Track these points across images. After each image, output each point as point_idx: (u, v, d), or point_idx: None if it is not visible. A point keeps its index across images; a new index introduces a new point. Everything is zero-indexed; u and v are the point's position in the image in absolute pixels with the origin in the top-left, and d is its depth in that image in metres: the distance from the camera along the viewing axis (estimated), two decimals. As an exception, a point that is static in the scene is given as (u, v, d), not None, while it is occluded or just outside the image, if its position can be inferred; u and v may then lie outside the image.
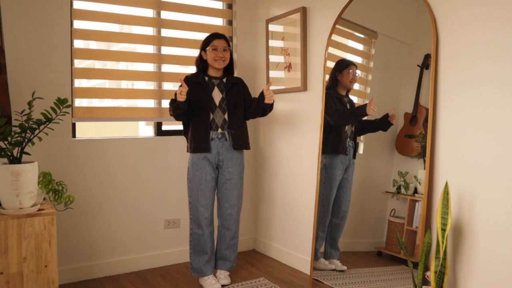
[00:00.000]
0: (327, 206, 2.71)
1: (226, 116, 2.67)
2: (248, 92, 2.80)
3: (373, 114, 2.47)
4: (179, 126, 3.36)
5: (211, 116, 2.63)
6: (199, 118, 2.61)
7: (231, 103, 2.69)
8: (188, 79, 2.66)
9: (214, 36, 2.67)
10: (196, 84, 2.65)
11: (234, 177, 2.70)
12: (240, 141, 2.69)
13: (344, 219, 2.69)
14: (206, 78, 2.68)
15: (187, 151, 2.69)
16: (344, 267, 2.65)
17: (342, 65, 2.67)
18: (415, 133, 2.29)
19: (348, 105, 2.67)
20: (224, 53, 2.64)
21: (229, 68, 2.76)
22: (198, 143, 2.60)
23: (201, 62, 2.72)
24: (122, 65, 3.18)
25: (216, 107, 2.65)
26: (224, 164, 2.67)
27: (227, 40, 2.69)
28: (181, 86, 2.49)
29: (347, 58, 2.70)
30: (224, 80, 2.72)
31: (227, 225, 2.75)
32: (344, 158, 2.65)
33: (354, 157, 2.64)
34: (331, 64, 2.72)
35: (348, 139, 2.64)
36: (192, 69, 3.47)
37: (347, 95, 2.68)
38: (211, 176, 2.66)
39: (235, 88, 2.73)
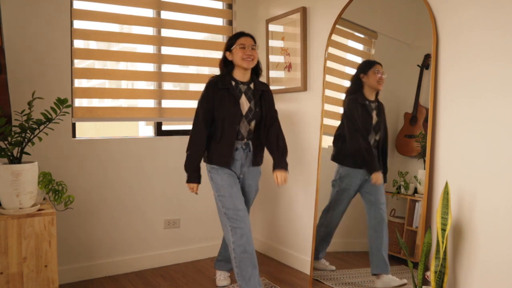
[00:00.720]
0: (336, 215, 2.63)
1: (251, 126, 2.46)
2: (273, 103, 2.56)
3: (374, 183, 2.41)
4: (179, 126, 3.37)
5: (237, 128, 2.42)
6: (224, 130, 2.40)
7: (258, 113, 2.47)
8: (214, 84, 2.42)
9: (240, 34, 2.47)
10: (223, 90, 2.42)
11: (252, 190, 2.58)
12: (259, 157, 2.55)
13: (380, 228, 2.44)
14: (233, 83, 2.45)
15: (204, 161, 2.50)
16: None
17: (367, 66, 2.52)
18: (415, 133, 2.29)
19: (374, 113, 2.46)
20: (252, 51, 2.42)
21: (256, 70, 2.53)
22: (222, 156, 2.41)
23: (225, 65, 2.50)
24: (122, 65, 3.18)
25: (243, 116, 2.42)
26: (245, 176, 2.52)
27: (254, 39, 2.49)
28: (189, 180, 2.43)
29: (371, 59, 2.55)
30: (252, 85, 2.49)
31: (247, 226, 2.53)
32: (364, 172, 2.50)
33: (384, 169, 2.42)
34: (331, 64, 2.72)
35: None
36: (192, 69, 3.48)
37: (376, 99, 2.49)
38: (237, 180, 2.48)
39: (263, 97, 2.50)
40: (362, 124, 2.48)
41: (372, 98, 2.48)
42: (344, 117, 2.59)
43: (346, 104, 2.53)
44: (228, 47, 2.46)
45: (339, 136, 2.62)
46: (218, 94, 2.40)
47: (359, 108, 2.47)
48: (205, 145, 2.43)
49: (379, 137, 2.44)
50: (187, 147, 2.46)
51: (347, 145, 2.56)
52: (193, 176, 2.44)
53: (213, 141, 2.44)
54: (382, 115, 2.44)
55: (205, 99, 2.42)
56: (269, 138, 2.50)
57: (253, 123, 2.46)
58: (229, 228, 2.37)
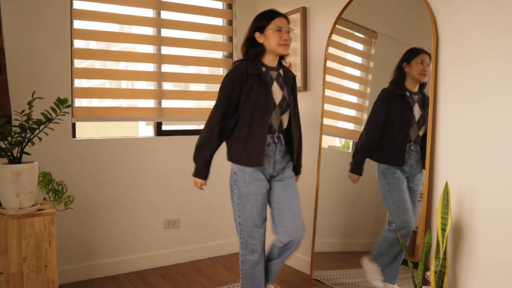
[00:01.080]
0: (402, 212, 2.31)
1: (283, 118, 2.17)
2: (296, 92, 2.31)
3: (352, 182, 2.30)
4: (179, 126, 3.37)
5: (269, 120, 2.11)
6: (254, 122, 2.06)
7: (291, 103, 2.19)
8: (243, 69, 2.08)
9: (275, 14, 2.12)
10: (253, 76, 2.08)
11: (293, 186, 2.21)
12: (293, 152, 2.23)
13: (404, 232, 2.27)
14: (263, 69, 2.13)
15: (230, 160, 2.18)
16: None
17: (412, 54, 2.25)
18: (415, 133, 2.28)
19: (417, 106, 2.22)
20: (289, 35, 2.11)
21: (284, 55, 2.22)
22: (253, 154, 2.07)
23: (253, 47, 2.15)
24: (122, 65, 3.18)
25: (276, 106, 2.12)
26: (282, 173, 2.21)
27: (289, 20, 2.17)
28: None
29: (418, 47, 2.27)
30: (281, 71, 2.19)
31: (294, 242, 2.17)
32: (402, 169, 2.27)
33: (422, 166, 2.19)
34: (331, 64, 2.72)
35: (412, 144, 2.23)
36: (192, 69, 3.48)
37: (420, 91, 2.25)
38: (266, 189, 2.15)
39: (293, 85, 2.25)
40: (401, 118, 2.27)
41: (414, 89, 2.24)
42: (373, 108, 2.39)
43: (382, 93, 2.29)
44: (260, 28, 2.11)
45: (372, 130, 2.46)
46: (247, 81, 2.06)
47: (396, 98, 2.24)
48: (218, 139, 2.12)
49: (423, 131, 2.17)
50: (199, 137, 2.18)
51: (385, 128, 2.35)
52: (200, 171, 2.18)
53: (239, 136, 2.10)
54: (427, 108, 2.15)
55: (230, 86, 2.08)
56: (293, 135, 2.20)
57: (285, 115, 2.17)
58: (241, 241, 2.18)
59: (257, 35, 2.12)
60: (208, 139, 2.12)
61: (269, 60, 2.15)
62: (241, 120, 2.10)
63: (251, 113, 2.06)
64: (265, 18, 2.12)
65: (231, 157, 2.16)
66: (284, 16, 2.13)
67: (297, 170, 2.29)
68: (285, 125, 2.19)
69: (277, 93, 2.12)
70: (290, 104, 2.17)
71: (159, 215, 3.11)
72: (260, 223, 2.16)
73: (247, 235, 2.15)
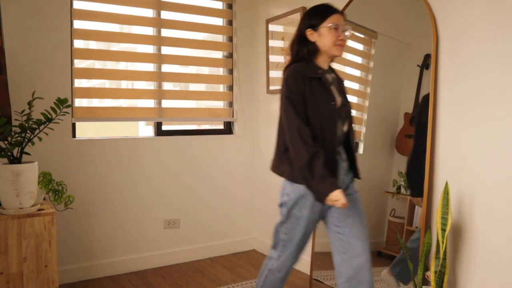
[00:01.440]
0: None
1: (345, 127, 1.85)
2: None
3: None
4: (179, 126, 3.37)
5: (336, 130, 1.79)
6: (317, 135, 1.73)
7: (348, 110, 1.88)
8: (301, 72, 1.76)
9: (330, 9, 1.81)
10: (313, 80, 1.77)
11: (359, 199, 1.89)
12: (355, 165, 1.91)
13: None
14: (319, 71, 1.81)
15: (285, 176, 1.82)
16: None
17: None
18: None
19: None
20: (345, 35, 1.82)
21: None
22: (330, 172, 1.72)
23: (304, 45, 1.83)
24: (122, 65, 3.18)
25: (340, 115, 1.81)
26: (349, 190, 1.87)
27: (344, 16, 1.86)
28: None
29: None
30: (334, 75, 1.91)
31: (366, 275, 1.77)
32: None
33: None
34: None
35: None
36: (192, 69, 3.48)
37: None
38: (319, 214, 1.84)
39: (344, 89, 1.93)
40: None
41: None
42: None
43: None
44: (314, 25, 1.81)
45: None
46: (308, 85, 1.76)
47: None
48: (315, 143, 1.71)
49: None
50: (294, 159, 1.72)
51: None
52: (329, 182, 1.65)
53: None
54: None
55: (296, 90, 1.74)
56: (352, 147, 1.89)
57: (345, 125, 1.86)
58: (275, 255, 1.95)
59: (309, 32, 1.82)
60: (313, 147, 1.69)
61: (322, 61, 1.85)
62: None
63: (314, 123, 1.74)
64: (319, 14, 1.81)
65: (290, 174, 1.80)
66: (340, 12, 1.83)
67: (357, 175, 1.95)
68: (343, 137, 1.86)
69: (338, 99, 1.82)
70: (348, 111, 1.88)
71: (159, 215, 3.11)
72: (301, 247, 1.90)
73: (285, 254, 1.90)
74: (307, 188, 1.72)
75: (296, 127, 1.71)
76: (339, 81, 1.90)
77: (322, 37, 1.79)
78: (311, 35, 1.81)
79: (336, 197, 1.63)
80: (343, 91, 1.88)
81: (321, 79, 1.78)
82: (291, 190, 1.80)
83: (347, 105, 1.87)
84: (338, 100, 1.82)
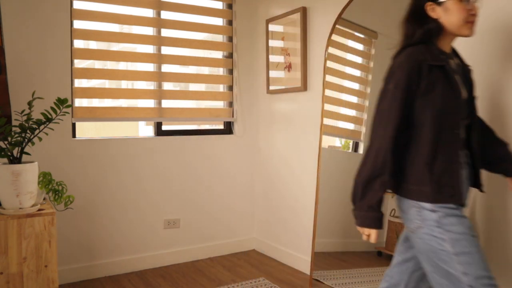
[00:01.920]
0: None
1: (468, 126, 1.53)
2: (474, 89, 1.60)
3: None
4: (179, 126, 3.37)
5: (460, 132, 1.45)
6: (440, 138, 1.41)
7: (473, 105, 1.56)
8: (422, 59, 1.41)
9: None
10: (435, 68, 1.42)
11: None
12: (478, 173, 1.56)
13: None
14: (442, 57, 1.46)
15: (412, 198, 1.43)
16: None
17: None
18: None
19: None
20: (476, 8, 1.45)
21: None
22: (451, 186, 1.40)
23: (421, 24, 1.48)
24: (122, 65, 3.18)
25: (464, 112, 1.48)
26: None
27: None
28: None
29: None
30: (457, 60, 1.55)
31: None
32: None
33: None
34: (331, 64, 2.72)
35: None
36: (192, 69, 3.48)
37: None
38: None
39: (470, 78, 1.57)
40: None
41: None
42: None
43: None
44: None
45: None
46: (428, 76, 1.40)
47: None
48: (393, 165, 1.42)
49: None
50: (361, 166, 1.46)
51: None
52: (371, 216, 1.42)
53: (425, 160, 1.41)
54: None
55: (405, 84, 1.41)
56: (474, 149, 1.54)
57: (470, 121, 1.53)
58: None
59: (429, 6, 1.46)
60: (382, 165, 1.40)
61: (444, 44, 1.49)
62: (420, 135, 1.43)
63: (434, 122, 1.40)
64: None
65: (414, 192, 1.43)
66: None
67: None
68: (465, 138, 1.51)
69: (463, 92, 1.47)
70: (474, 107, 1.55)
71: (159, 215, 3.11)
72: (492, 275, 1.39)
73: None
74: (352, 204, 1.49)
75: (382, 130, 1.42)
76: (464, 68, 1.54)
77: (449, 12, 1.43)
78: (432, 10, 1.46)
79: (363, 232, 1.46)
80: (468, 81, 1.53)
81: (445, 67, 1.42)
82: (437, 214, 1.41)
83: (473, 99, 1.54)
84: (464, 93, 1.46)
